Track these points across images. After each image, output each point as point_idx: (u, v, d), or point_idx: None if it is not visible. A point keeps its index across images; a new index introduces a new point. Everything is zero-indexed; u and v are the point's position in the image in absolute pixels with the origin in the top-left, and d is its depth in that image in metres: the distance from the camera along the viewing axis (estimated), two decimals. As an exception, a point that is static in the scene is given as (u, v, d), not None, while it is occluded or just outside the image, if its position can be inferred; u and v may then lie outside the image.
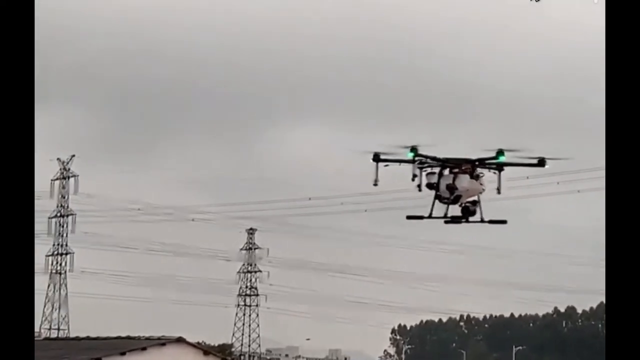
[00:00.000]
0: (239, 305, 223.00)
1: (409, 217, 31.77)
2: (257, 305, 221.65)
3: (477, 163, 30.80)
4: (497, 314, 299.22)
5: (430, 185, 30.61)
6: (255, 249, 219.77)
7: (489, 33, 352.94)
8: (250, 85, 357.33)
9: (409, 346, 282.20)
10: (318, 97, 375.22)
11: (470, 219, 31.28)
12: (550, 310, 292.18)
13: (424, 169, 30.73)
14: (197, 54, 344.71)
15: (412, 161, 30.49)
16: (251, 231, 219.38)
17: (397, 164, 30.63)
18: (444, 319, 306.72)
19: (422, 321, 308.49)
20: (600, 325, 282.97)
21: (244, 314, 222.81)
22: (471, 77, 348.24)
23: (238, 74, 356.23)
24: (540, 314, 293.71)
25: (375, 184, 31.02)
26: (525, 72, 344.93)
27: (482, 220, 31.12)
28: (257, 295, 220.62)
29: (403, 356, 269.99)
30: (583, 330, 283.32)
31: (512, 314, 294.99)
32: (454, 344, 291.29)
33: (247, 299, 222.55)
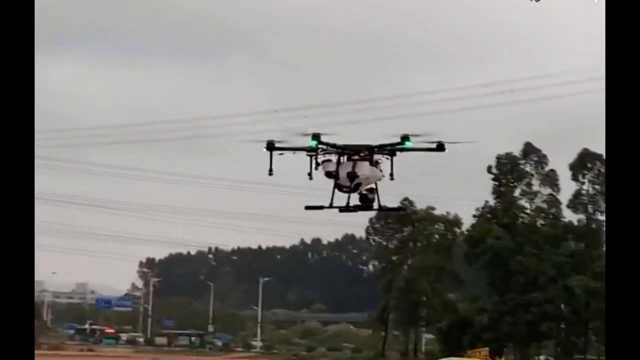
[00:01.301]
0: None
1: (307, 208, 29.90)
2: None
3: (376, 149, 28.76)
4: (245, 246, 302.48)
5: (329, 174, 28.49)
6: None
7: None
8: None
9: (157, 279, 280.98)
10: (84, 27, 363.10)
11: (368, 207, 29.37)
12: (296, 242, 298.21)
13: (316, 157, 28.26)
14: None
15: (314, 149, 28.08)
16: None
17: (292, 152, 28.44)
18: (193, 252, 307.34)
19: (170, 254, 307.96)
20: (344, 257, 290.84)
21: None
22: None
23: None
24: (287, 245, 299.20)
25: (270, 174, 29.04)
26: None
27: (380, 208, 29.32)
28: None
29: (151, 289, 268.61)
30: (328, 261, 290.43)
31: (259, 246, 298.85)
32: (202, 276, 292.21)
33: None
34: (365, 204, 28.43)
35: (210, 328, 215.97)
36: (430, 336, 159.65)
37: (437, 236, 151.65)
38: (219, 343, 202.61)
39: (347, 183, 27.07)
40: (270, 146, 27.43)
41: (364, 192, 28.18)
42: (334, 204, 28.18)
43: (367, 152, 28.19)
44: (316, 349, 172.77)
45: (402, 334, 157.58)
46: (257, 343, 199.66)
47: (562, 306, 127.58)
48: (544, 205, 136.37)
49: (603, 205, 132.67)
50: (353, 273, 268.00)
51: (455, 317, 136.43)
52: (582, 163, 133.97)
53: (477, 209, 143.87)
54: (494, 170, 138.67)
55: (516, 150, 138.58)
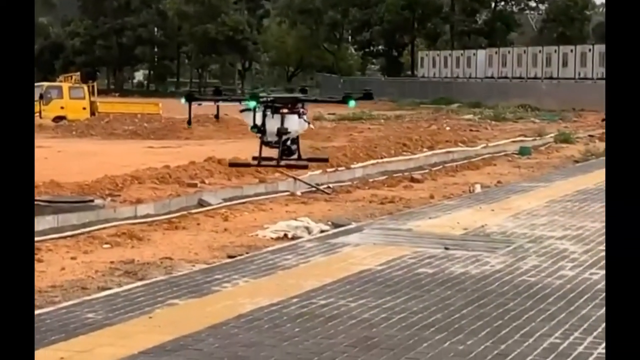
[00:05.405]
0: None
1: (231, 165, 25.89)
2: None
3: (302, 102, 24.55)
4: None
5: (257, 129, 24.03)
6: None
7: None
8: None
9: None
10: None
11: (290, 158, 25.58)
12: None
13: (254, 113, 23.89)
14: None
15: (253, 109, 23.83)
16: None
17: (214, 102, 24.08)
18: None
19: None
20: None
21: None
22: None
23: None
24: None
25: (189, 125, 25.57)
26: None
27: (299, 158, 25.64)
28: None
29: None
30: None
31: None
32: None
33: None
34: (290, 156, 25.61)
35: None
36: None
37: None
38: None
39: (275, 138, 23.93)
40: (190, 97, 23.49)
41: (288, 144, 25.42)
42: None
43: (293, 105, 24.90)
44: None
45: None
46: None
47: (156, 30, 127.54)
48: None
49: None
50: None
51: (46, 41, 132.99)
52: None
53: None
54: None
55: None
